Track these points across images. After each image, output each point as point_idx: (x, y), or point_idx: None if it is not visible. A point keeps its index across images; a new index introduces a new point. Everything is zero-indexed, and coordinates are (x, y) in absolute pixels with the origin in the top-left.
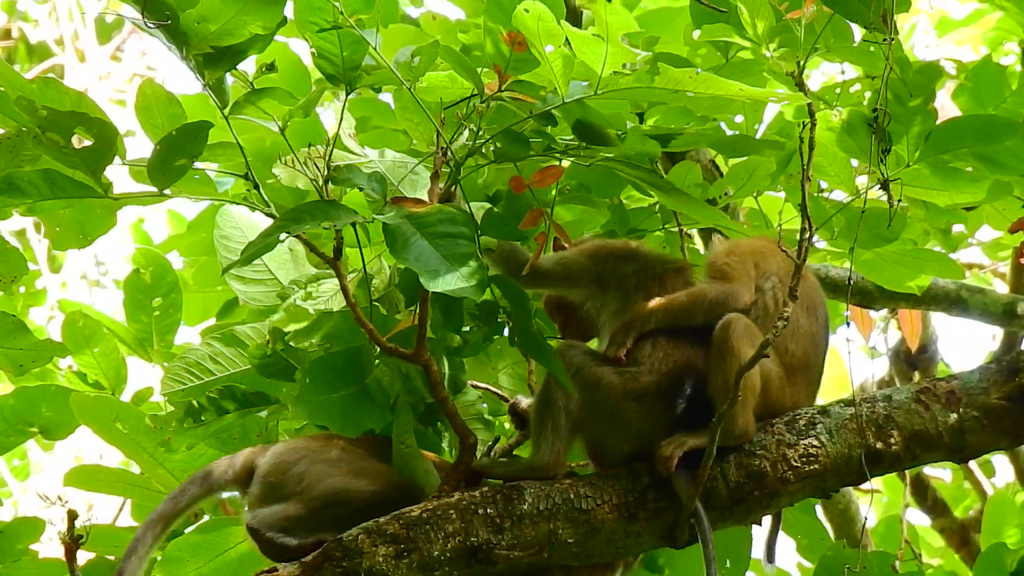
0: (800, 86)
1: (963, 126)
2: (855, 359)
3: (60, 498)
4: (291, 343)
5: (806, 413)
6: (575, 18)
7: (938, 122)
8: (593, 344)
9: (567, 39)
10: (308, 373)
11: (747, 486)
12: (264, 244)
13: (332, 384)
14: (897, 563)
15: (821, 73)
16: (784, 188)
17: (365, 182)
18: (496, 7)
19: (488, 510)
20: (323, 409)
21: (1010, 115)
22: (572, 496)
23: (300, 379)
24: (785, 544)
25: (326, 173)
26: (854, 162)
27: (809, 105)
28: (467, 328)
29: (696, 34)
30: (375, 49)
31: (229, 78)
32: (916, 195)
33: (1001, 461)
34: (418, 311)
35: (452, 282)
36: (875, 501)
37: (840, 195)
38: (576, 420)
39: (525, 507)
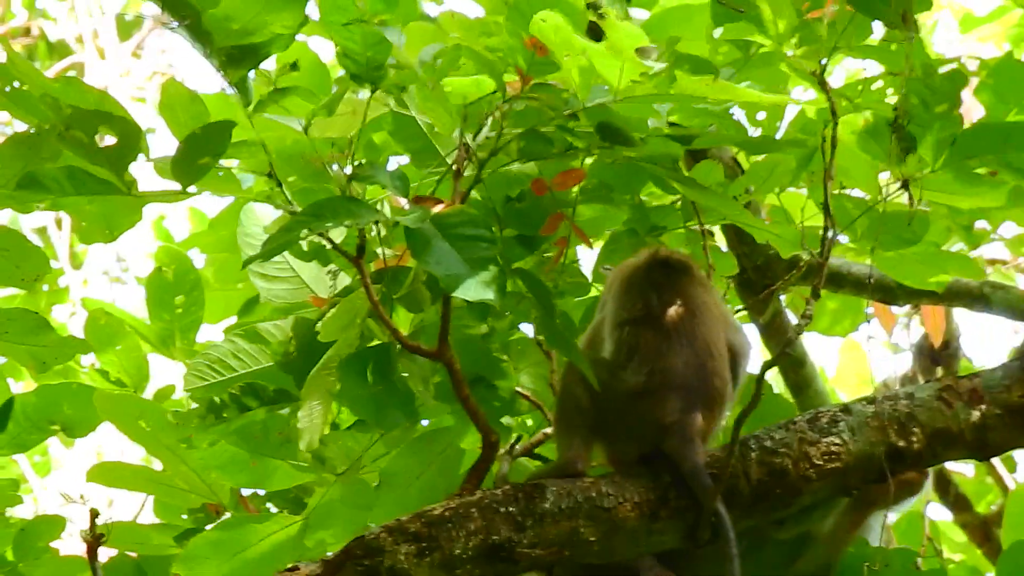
0: (822, 85)
1: (986, 132)
2: (878, 355)
3: (82, 496)
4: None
5: (828, 411)
6: (595, 29)
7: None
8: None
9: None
10: (341, 370)
11: (769, 484)
12: (285, 240)
13: (364, 380)
14: (919, 560)
15: (843, 68)
16: (806, 186)
17: (388, 180)
18: (517, 13)
19: (510, 508)
20: (359, 404)
21: None
22: (594, 495)
23: (315, 374)
24: None
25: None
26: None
27: (831, 102)
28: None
29: (717, 32)
30: (399, 49)
31: (251, 76)
32: (937, 199)
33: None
34: (441, 309)
35: (472, 287)
36: None
37: (861, 194)
38: (592, 421)
39: (547, 506)
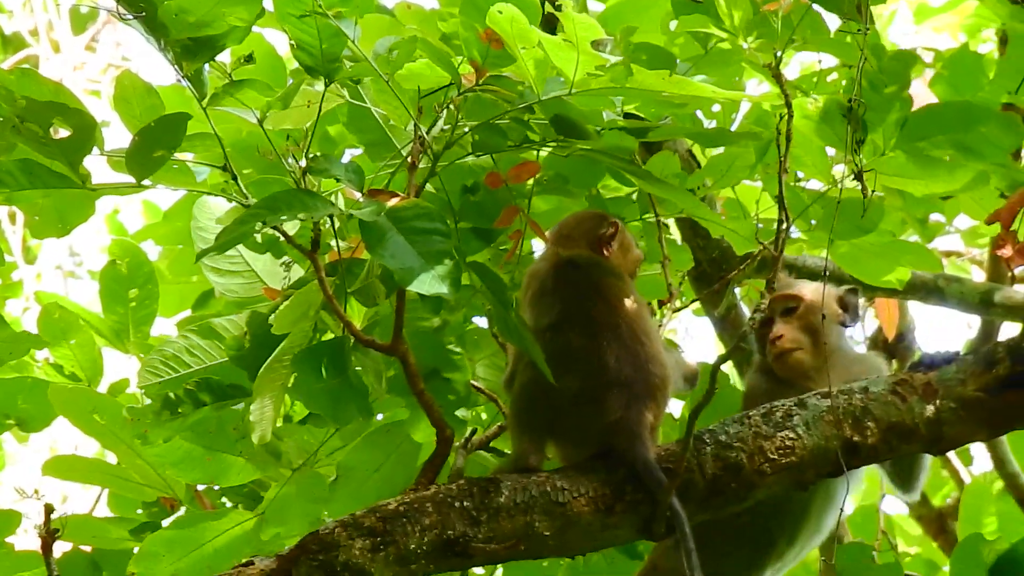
0: (777, 78)
1: (939, 113)
2: None
3: (36, 492)
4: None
5: (783, 405)
6: (551, 20)
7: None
8: None
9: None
10: (295, 364)
11: (724, 478)
12: (239, 233)
13: (318, 374)
14: (875, 554)
15: (798, 62)
16: (761, 178)
17: (343, 172)
18: (472, 5)
19: (465, 503)
20: (313, 398)
21: (987, 103)
22: (549, 489)
23: (267, 368)
24: None
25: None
26: (830, 151)
27: (786, 96)
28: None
29: (674, 25)
30: (354, 42)
31: (206, 68)
32: (893, 184)
33: (979, 449)
34: (396, 302)
35: (426, 281)
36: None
37: (817, 185)
38: (544, 417)
39: (502, 500)
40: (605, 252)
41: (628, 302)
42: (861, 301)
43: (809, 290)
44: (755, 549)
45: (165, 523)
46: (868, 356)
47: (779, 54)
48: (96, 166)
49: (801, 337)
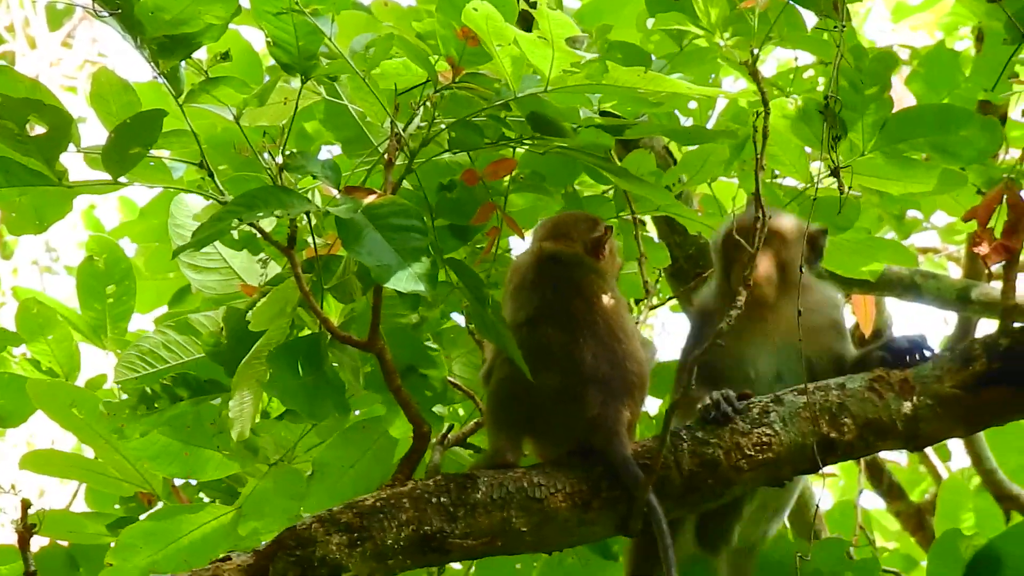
0: (754, 75)
1: (918, 115)
2: None
3: (13, 487)
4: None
5: (760, 401)
6: (527, 18)
7: (893, 111)
8: None
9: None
10: (272, 360)
11: (701, 475)
12: (216, 230)
13: (295, 370)
14: (852, 549)
15: (775, 59)
16: (738, 175)
17: (320, 169)
18: (448, 2)
19: (441, 499)
20: (290, 394)
21: (963, 101)
22: (525, 485)
23: (246, 364)
24: None
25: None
26: (808, 149)
27: (763, 93)
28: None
29: (650, 22)
30: (330, 39)
31: (183, 66)
32: (870, 184)
33: (957, 445)
34: (372, 299)
35: (403, 278)
36: (831, 484)
37: (794, 182)
38: (521, 414)
39: (479, 496)
40: (601, 255)
41: (607, 299)
42: (825, 243)
43: (787, 222)
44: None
45: (143, 518)
46: (823, 286)
47: (756, 51)
48: (73, 163)
49: (773, 270)
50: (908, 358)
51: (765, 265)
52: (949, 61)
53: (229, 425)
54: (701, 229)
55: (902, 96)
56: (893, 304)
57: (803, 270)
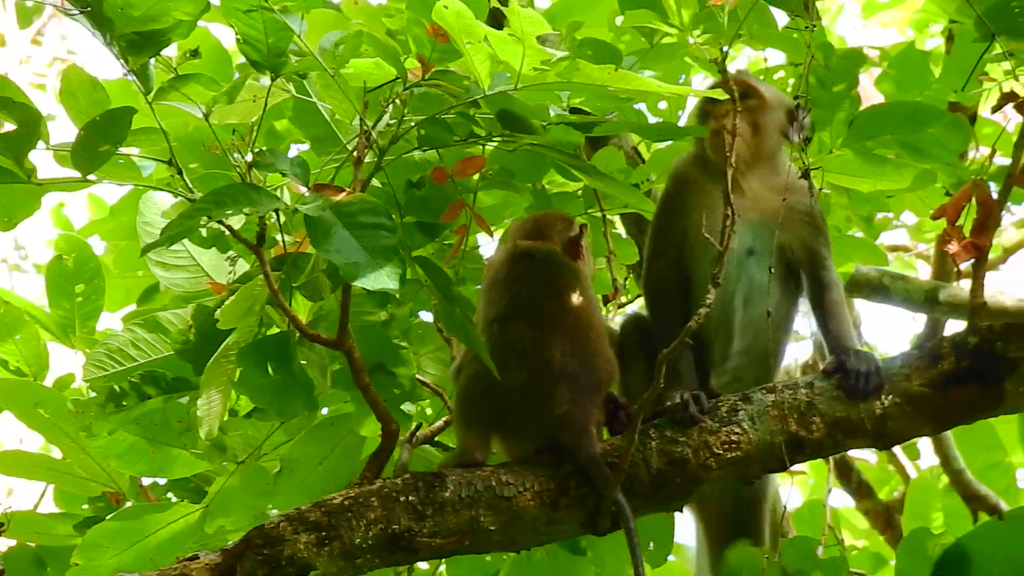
0: (723, 73)
1: (888, 112)
2: None
3: None
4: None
5: (728, 400)
6: (497, 15)
7: (862, 108)
8: None
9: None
10: (241, 358)
11: (669, 473)
12: (185, 227)
13: (263, 368)
14: (820, 548)
15: (746, 57)
16: None
17: (289, 167)
18: (418, 1)
19: (410, 497)
20: (258, 392)
21: (934, 102)
22: (494, 484)
23: (214, 362)
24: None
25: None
26: None
27: (732, 92)
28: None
29: (620, 19)
30: (300, 37)
31: (152, 63)
32: (840, 182)
33: (926, 444)
34: (341, 297)
35: (372, 276)
36: (801, 483)
37: None
38: (490, 412)
39: (447, 495)
40: (578, 255)
41: (578, 297)
42: (807, 120)
43: (767, 90)
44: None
45: (109, 517)
46: (798, 182)
47: (725, 49)
48: (42, 160)
49: (745, 126)
50: (861, 385)
51: (739, 120)
52: (919, 62)
53: (197, 423)
54: None
55: (872, 97)
56: (863, 303)
57: (779, 153)
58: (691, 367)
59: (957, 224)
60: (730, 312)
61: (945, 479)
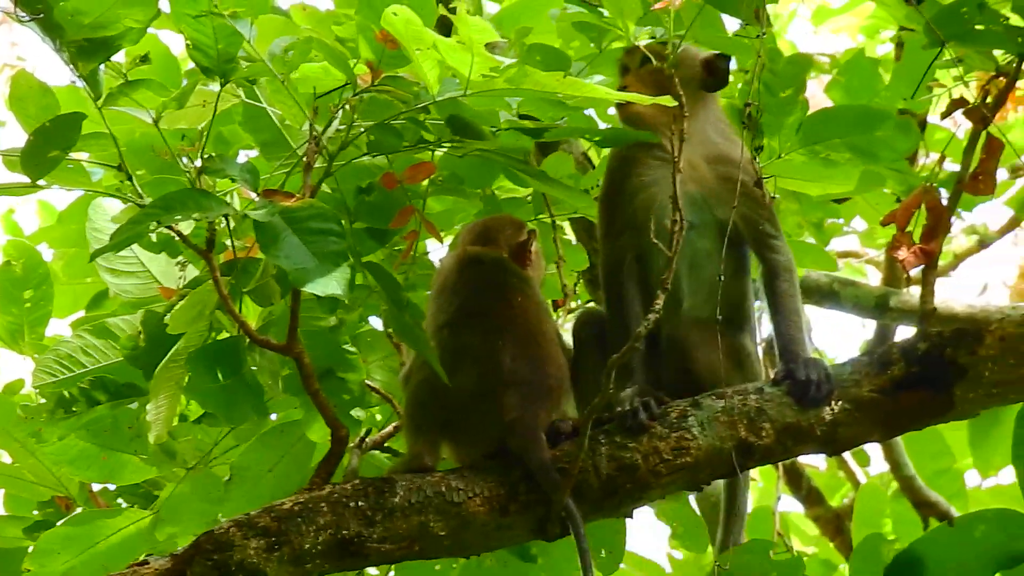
0: (670, 78)
1: (836, 116)
2: None
3: None
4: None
5: (678, 405)
6: (447, 23)
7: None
8: None
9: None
10: (190, 363)
11: (619, 479)
12: (134, 232)
13: (213, 374)
14: (770, 554)
15: None
16: None
17: (238, 172)
18: (367, 6)
19: (359, 503)
20: (208, 397)
21: (885, 108)
22: (443, 489)
23: (163, 367)
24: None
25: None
26: None
27: (680, 97)
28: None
29: (555, 13)
30: (250, 42)
31: (102, 69)
32: (790, 186)
33: (875, 450)
34: (291, 302)
35: (321, 282)
36: (751, 489)
37: None
38: (439, 417)
39: (396, 500)
40: (526, 260)
41: (528, 302)
42: (732, 66)
43: (679, 50)
44: None
45: (60, 523)
46: (735, 152)
47: (670, 55)
48: None
49: (649, 86)
50: (811, 392)
51: (635, 82)
52: (868, 69)
53: (147, 429)
54: None
55: (823, 104)
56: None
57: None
58: (642, 365)
59: (907, 230)
60: (679, 278)
61: (895, 485)
